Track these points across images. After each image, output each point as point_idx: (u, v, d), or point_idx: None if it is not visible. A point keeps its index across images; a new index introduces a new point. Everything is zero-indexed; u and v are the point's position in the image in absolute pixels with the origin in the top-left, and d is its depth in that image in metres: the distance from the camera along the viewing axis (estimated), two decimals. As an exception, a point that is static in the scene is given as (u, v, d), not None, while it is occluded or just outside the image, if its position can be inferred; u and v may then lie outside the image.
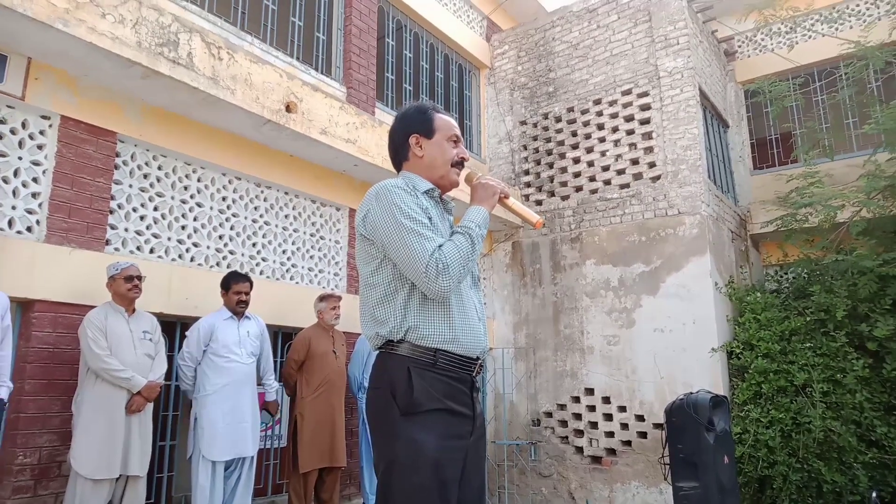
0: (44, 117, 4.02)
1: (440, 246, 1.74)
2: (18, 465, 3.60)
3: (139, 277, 3.86)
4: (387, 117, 6.55)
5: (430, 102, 2.09)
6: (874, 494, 5.11)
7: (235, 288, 4.35)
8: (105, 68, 3.99)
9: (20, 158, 3.90)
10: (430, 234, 1.76)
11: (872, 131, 6.61)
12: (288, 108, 4.91)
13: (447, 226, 1.95)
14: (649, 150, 7.14)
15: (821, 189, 6.73)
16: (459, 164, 2.01)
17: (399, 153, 2.03)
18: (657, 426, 6.29)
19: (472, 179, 2.02)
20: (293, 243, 5.56)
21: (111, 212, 4.28)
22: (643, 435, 6.56)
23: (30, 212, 3.90)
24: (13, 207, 3.83)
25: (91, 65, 3.95)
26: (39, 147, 3.99)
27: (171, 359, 4.35)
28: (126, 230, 4.37)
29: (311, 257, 5.73)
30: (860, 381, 5.85)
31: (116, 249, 4.29)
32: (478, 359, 1.85)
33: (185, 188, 4.77)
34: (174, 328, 4.62)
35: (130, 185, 4.44)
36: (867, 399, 5.78)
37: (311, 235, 5.76)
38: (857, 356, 5.94)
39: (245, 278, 4.42)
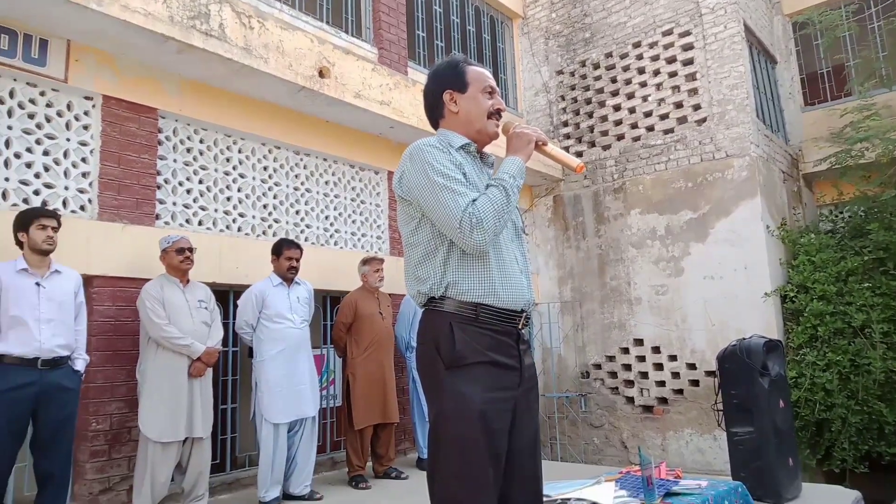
0: (87, 98, 4.12)
1: (474, 200, 1.73)
2: (92, 431, 3.83)
3: (190, 249, 3.97)
4: (419, 76, 6.47)
5: (462, 55, 2.03)
6: (939, 434, 4.97)
7: (287, 254, 4.42)
8: (141, 45, 4.05)
9: (68, 140, 4.02)
10: (464, 190, 1.75)
11: (934, 56, 6.21)
12: (321, 74, 4.90)
13: (486, 180, 1.91)
14: (693, 91, 6.89)
15: (878, 122, 6.40)
16: (496, 114, 1.96)
17: (435, 111, 2.01)
18: (709, 374, 6.23)
19: (509, 130, 1.98)
20: (335, 209, 5.62)
21: (158, 187, 4.40)
22: (695, 383, 6.51)
23: (81, 191, 4.04)
24: (66, 188, 3.97)
25: (127, 43, 4.01)
26: (85, 127, 4.10)
27: (226, 326, 4.50)
28: (174, 204, 4.49)
29: (354, 222, 5.79)
30: (923, 320, 5.65)
31: (166, 223, 4.41)
32: (522, 311, 1.83)
33: (228, 160, 4.85)
34: (227, 296, 4.76)
35: (175, 160, 4.53)
36: (931, 338, 5.59)
37: (352, 200, 5.80)
38: (920, 294, 5.73)
39: (296, 245, 4.50)
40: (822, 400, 5.81)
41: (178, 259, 3.92)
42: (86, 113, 4.12)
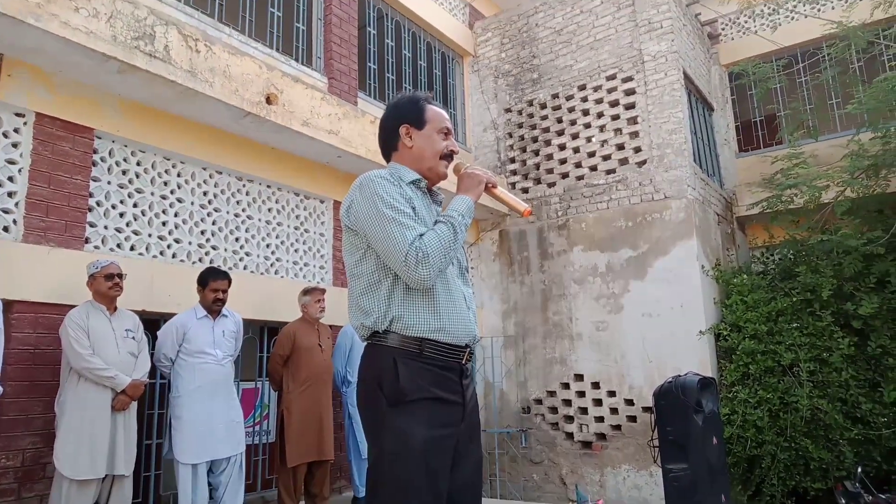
0: (18, 115, 3.95)
1: (421, 235, 1.73)
2: (1, 467, 3.56)
3: (120, 275, 3.79)
4: (369, 107, 6.50)
5: (424, 93, 2.06)
6: (859, 470, 5.17)
7: (213, 285, 4.22)
8: (80, 64, 3.92)
9: (-6, 157, 3.83)
10: (412, 223, 1.75)
11: (856, 111, 6.63)
12: (268, 100, 4.85)
13: (434, 217, 1.92)
14: (635, 134, 7.14)
15: (805, 170, 6.76)
16: (448, 156, 1.99)
17: (389, 143, 2.01)
18: (646, 410, 6.33)
19: (460, 170, 2.01)
20: (277, 237, 5.52)
21: (90, 209, 4.22)
22: (633, 419, 6.60)
23: (6, 211, 3.83)
24: (-11, 207, 3.77)
25: (66, 60, 3.88)
26: (14, 145, 3.92)
27: (152, 357, 4.31)
28: (106, 227, 4.31)
29: (296, 251, 5.69)
30: (846, 359, 5.91)
31: (96, 247, 4.23)
32: (467, 346, 1.84)
33: (165, 183, 4.71)
34: (156, 326, 4.56)
35: (109, 182, 4.37)
36: (853, 377, 5.85)
37: (296, 229, 5.72)
38: (843, 335, 6.00)
39: (224, 275, 4.30)
40: (753, 436, 5.97)
41: (107, 286, 3.74)
42: (16, 130, 3.94)
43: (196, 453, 3.99)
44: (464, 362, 1.83)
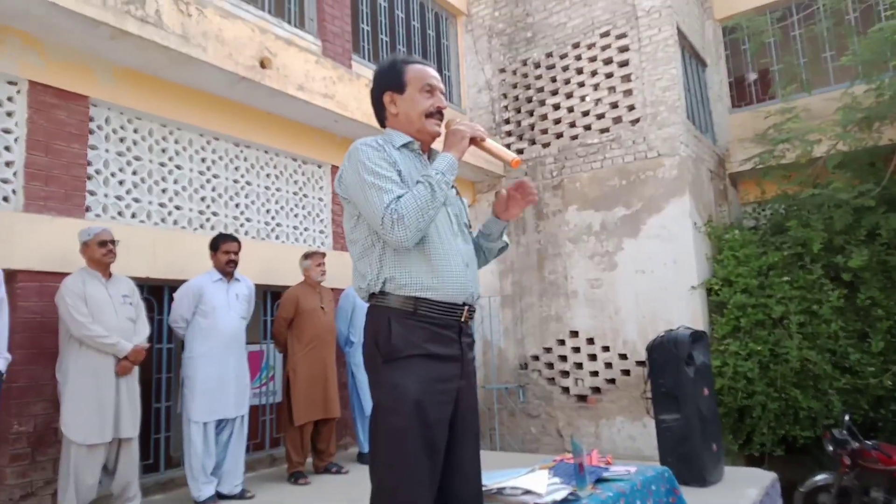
0: (10, 83, 3.93)
1: (399, 197, 1.75)
2: (14, 433, 3.67)
3: (113, 242, 3.79)
4: (364, 70, 6.45)
5: (403, 54, 2.02)
6: (847, 418, 5.35)
7: (224, 248, 4.34)
8: (71, 29, 3.89)
9: (-9, 127, 3.83)
10: (391, 187, 1.76)
11: (849, 63, 6.60)
12: (262, 64, 4.83)
13: None
14: (628, 92, 7.12)
15: (798, 124, 6.77)
16: (437, 113, 1.95)
17: (379, 113, 2.02)
18: (640, 364, 6.50)
19: (449, 126, 1.98)
20: (277, 202, 5.55)
21: (89, 178, 4.24)
22: (626, 373, 6.78)
23: (5, 181, 3.85)
24: (-12, 178, 3.79)
25: (56, 26, 3.84)
26: (9, 114, 3.91)
27: (158, 322, 4.38)
28: (106, 196, 4.34)
29: (296, 216, 5.73)
30: (835, 311, 6.05)
31: (97, 216, 4.26)
32: (465, 304, 1.85)
33: (163, 150, 4.72)
34: (161, 292, 4.64)
35: (107, 150, 4.38)
36: (841, 328, 5.99)
37: (295, 194, 5.75)
38: (833, 287, 6.13)
39: (233, 238, 4.41)
40: (743, 388, 6.15)
41: (101, 252, 3.75)
42: (9, 99, 3.93)
43: (208, 411, 4.13)
44: (462, 320, 1.85)
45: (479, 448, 1.93)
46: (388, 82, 1.96)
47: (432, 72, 1.98)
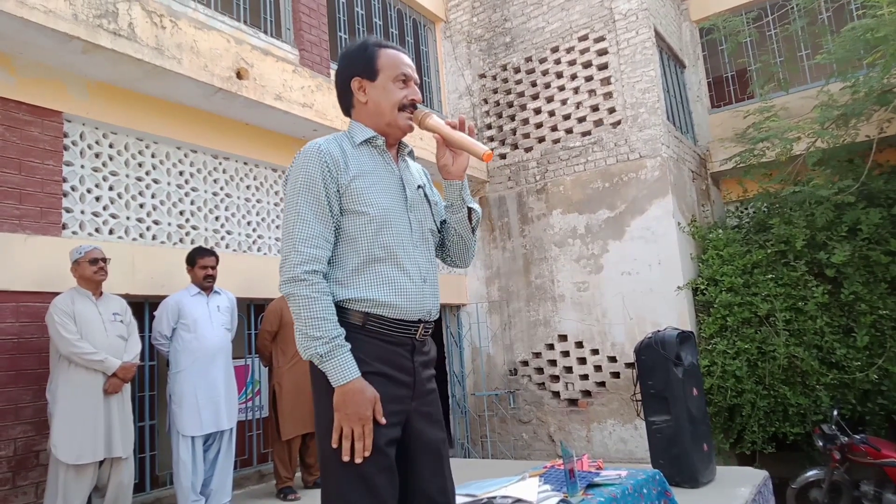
0: (-20, 100, 3.85)
1: (315, 270, 1.62)
2: (-5, 457, 3.58)
3: (104, 259, 3.78)
4: (342, 78, 6.40)
5: (375, 38, 1.81)
6: (835, 412, 5.37)
7: (201, 262, 4.29)
8: (42, 44, 3.82)
9: (-39, 146, 3.75)
10: (318, 233, 1.63)
11: (825, 61, 6.69)
12: (239, 75, 4.78)
13: (391, 177, 1.76)
14: (608, 95, 7.15)
15: (777, 122, 6.83)
16: (410, 106, 1.76)
17: (344, 100, 1.82)
18: (629, 365, 6.48)
19: (418, 118, 1.78)
20: (257, 214, 5.49)
21: (65, 194, 4.16)
22: (616, 375, 6.77)
23: (-22, 200, 3.77)
24: (-40, 197, 3.70)
25: (26, 41, 3.77)
26: (-20, 132, 3.84)
27: (143, 339, 4.30)
28: (83, 212, 4.26)
29: (277, 227, 5.66)
30: (820, 308, 6.08)
31: (74, 233, 4.19)
32: (420, 321, 1.72)
33: (140, 165, 4.65)
34: (142, 308, 4.56)
35: (83, 166, 4.30)
36: (827, 324, 6.02)
37: (276, 205, 5.68)
38: (817, 283, 6.16)
39: (210, 253, 4.36)
40: (732, 386, 6.16)
41: (92, 270, 3.72)
42: (-20, 116, 3.85)
43: (199, 425, 4.08)
44: (417, 337, 1.71)
45: (444, 468, 1.76)
46: (357, 67, 1.77)
47: (407, 59, 1.80)
